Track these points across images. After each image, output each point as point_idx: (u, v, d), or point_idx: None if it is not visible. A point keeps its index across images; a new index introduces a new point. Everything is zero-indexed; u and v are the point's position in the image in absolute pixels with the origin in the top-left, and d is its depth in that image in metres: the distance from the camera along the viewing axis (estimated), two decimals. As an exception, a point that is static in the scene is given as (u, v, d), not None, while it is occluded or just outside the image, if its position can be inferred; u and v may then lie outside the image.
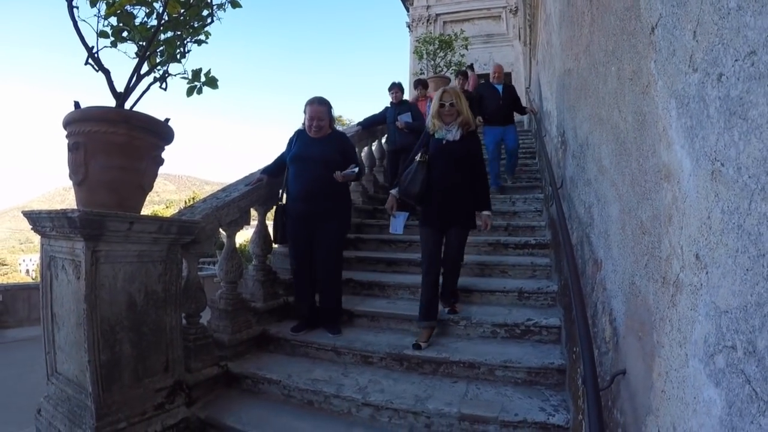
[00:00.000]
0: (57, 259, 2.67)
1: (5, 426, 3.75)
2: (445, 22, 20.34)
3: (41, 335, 2.82)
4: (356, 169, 3.92)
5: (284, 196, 4.15)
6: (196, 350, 3.26)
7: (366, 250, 5.62)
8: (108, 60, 2.71)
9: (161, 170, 2.98)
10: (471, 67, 12.64)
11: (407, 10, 21.56)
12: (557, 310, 3.78)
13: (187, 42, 2.97)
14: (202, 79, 2.96)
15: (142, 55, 2.76)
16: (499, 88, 7.58)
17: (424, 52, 14.92)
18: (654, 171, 1.40)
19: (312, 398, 3.12)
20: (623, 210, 1.79)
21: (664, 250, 1.31)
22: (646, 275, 1.48)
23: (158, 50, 2.87)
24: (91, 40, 2.65)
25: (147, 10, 2.80)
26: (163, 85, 2.94)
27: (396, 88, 7.16)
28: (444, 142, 3.67)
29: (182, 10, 2.82)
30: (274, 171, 4.25)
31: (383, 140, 8.01)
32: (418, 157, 3.69)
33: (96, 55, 2.67)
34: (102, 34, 2.70)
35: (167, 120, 2.87)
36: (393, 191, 3.89)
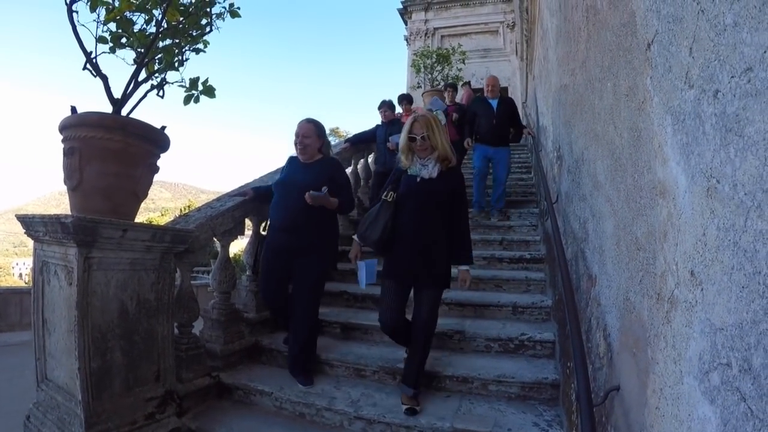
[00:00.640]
0: (49, 264, 2.64)
1: (-8, 433, 3.70)
2: (442, 36, 20.49)
3: (32, 340, 2.79)
4: (325, 189, 3.35)
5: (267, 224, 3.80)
6: (188, 360, 3.23)
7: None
8: (106, 66, 2.70)
9: (157, 178, 2.97)
10: (468, 84, 12.69)
11: (405, 23, 21.73)
12: (551, 324, 3.77)
13: (186, 50, 2.97)
14: (200, 87, 2.96)
15: (140, 62, 2.76)
16: (494, 103, 6.78)
17: (422, 65, 15.02)
18: (649, 187, 1.40)
19: (304, 411, 3.09)
20: (618, 225, 1.79)
21: (659, 266, 1.31)
22: (640, 291, 1.48)
23: (156, 57, 2.88)
24: (89, 45, 2.65)
25: (146, 17, 2.81)
26: (161, 93, 2.94)
27: (385, 106, 6.71)
28: (418, 179, 3.01)
29: (181, 19, 2.84)
30: (263, 195, 3.93)
31: (370, 159, 7.47)
32: (384, 196, 3.06)
33: (94, 60, 2.67)
34: (101, 40, 2.70)
35: (163, 128, 2.86)
36: (356, 236, 3.23)
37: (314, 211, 3.39)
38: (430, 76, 14.97)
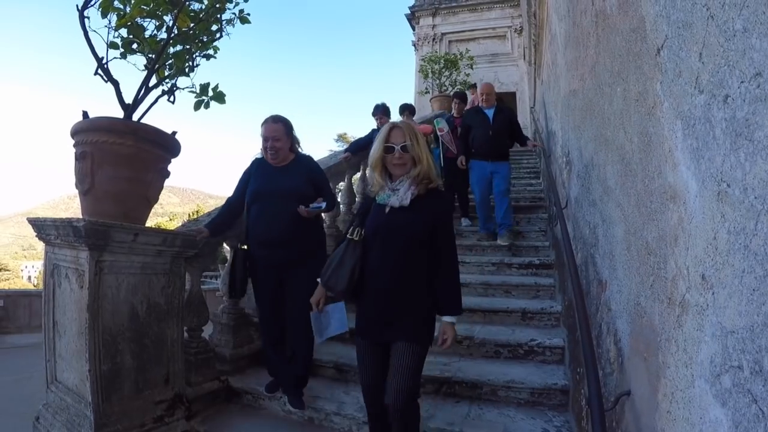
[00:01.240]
0: (60, 267, 2.67)
1: (3, 434, 3.73)
2: (450, 42, 20.51)
3: (41, 342, 2.82)
4: (323, 204, 3.12)
5: (246, 240, 3.31)
6: (197, 364, 3.24)
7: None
8: (117, 71, 2.74)
9: (167, 182, 3.00)
10: (475, 86, 12.59)
11: (413, 29, 21.77)
12: (561, 330, 3.75)
13: (196, 56, 3.01)
14: (210, 93, 2.98)
15: (150, 68, 2.80)
16: (489, 113, 6.12)
17: (430, 71, 15.03)
18: (660, 192, 1.40)
19: (313, 415, 3.09)
20: (628, 230, 1.79)
21: (669, 270, 1.31)
22: (651, 296, 1.47)
23: (167, 63, 2.91)
24: (101, 50, 2.69)
25: (157, 23, 2.84)
26: (171, 98, 2.97)
27: (380, 113, 6.18)
28: (387, 210, 2.31)
29: (192, 24, 2.87)
30: (223, 222, 3.35)
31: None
32: (349, 234, 2.40)
33: (105, 65, 2.71)
34: (112, 45, 2.74)
35: (174, 133, 2.89)
36: (319, 280, 2.50)
37: (302, 220, 3.11)
38: (438, 81, 14.97)
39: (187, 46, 2.94)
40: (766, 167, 0.82)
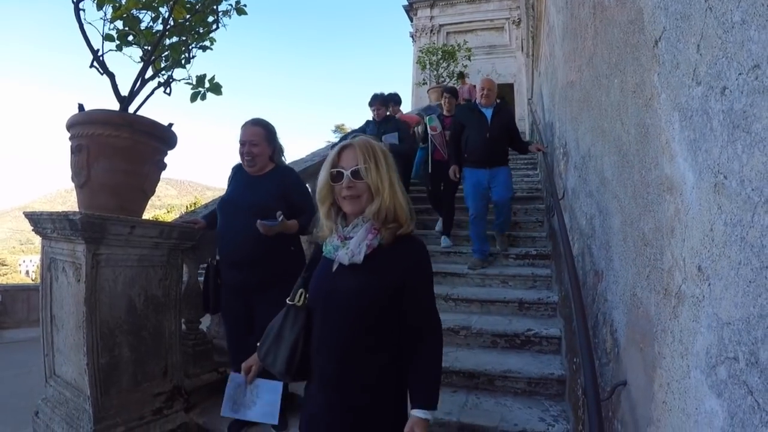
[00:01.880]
0: (57, 261, 2.67)
1: (2, 427, 3.73)
2: (448, 33, 20.42)
3: (39, 337, 2.82)
4: (279, 219, 2.61)
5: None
6: (195, 356, 3.25)
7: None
8: (113, 63, 2.72)
9: (162, 175, 2.99)
10: (462, 75, 12.36)
11: (411, 20, 21.67)
12: (557, 320, 3.77)
13: (192, 47, 2.99)
14: (206, 85, 2.97)
15: (146, 60, 2.78)
16: (488, 113, 5.20)
17: (427, 62, 15.00)
18: (656, 183, 1.40)
19: None
20: (625, 221, 1.80)
21: (666, 261, 1.31)
22: (647, 287, 1.48)
23: (163, 55, 2.89)
24: (96, 42, 2.68)
25: (153, 15, 2.83)
26: (167, 90, 2.96)
27: (378, 102, 5.77)
28: (335, 268, 1.60)
29: (188, 16, 2.85)
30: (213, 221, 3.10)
31: None
32: (289, 298, 1.67)
33: (101, 58, 2.69)
34: (107, 38, 2.73)
35: (170, 125, 2.88)
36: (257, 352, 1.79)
37: (270, 239, 2.68)
38: (435, 72, 14.95)
39: (183, 38, 2.92)
40: (763, 159, 0.82)
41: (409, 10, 21.42)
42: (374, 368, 1.57)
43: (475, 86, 7.84)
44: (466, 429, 2.73)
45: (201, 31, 2.97)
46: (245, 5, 3.05)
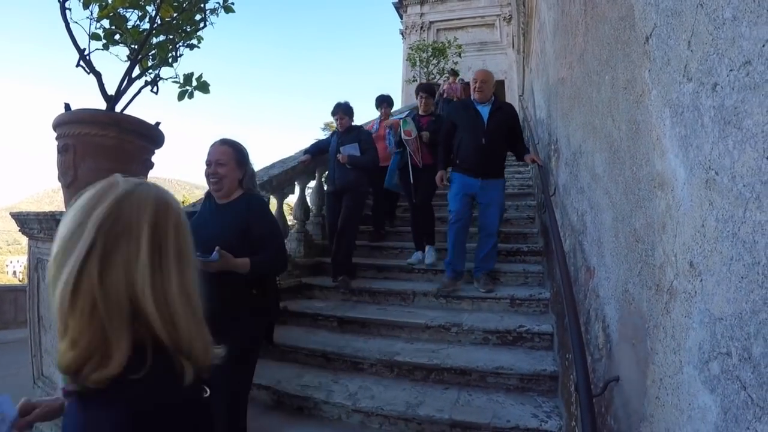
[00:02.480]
0: (44, 261, 2.64)
1: (-10, 431, 3.70)
2: (438, 30, 20.45)
3: (27, 338, 2.79)
4: (215, 256, 2.13)
5: None
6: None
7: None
8: (99, 63, 2.69)
9: (151, 174, 2.97)
10: (453, 72, 12.27)
11: (401, 17, 21.66)
12: (549, 316, 3.78)
13: (180, 46, 2.96)
14: (194, 83, 2.95)
15: (133, 59, 2.75)
16: (484, 111, 4.39)
17: (417, 59, 15.01)
18: (648, 179, 1.41)
19: (302, 404, 3.10)
20: (616, 218, 1.80)
21: (657, 257, 1.31)
22: (639, 282, 1.49)
23: (150, 54, 2.86)
24: (83, 42, 2.64)
25: (140, 14, 2.80)
26: (155, 89, 2.93)
27: (341, 112, 5.06)
28: None
29: (175, 14, 2.82)
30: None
31: (324, 178, 5.85)
32: None
33: (88, 57, 2.66)
34: (94, 37, 2.69)
35: (158, 124, 2.85)
36: None
37: (231, 279, 2.26)
38: (425, 69, 14.96)
39: (170, 36, 2.90)
40: (754, 155, 0.82)
41: (399, 7, 21.43)
42: None
43: (468, 84, 6.17)
44: (458, 426, 2.73)
45: (188, 29, 2.94)
46: (233, 3, 3.03)
